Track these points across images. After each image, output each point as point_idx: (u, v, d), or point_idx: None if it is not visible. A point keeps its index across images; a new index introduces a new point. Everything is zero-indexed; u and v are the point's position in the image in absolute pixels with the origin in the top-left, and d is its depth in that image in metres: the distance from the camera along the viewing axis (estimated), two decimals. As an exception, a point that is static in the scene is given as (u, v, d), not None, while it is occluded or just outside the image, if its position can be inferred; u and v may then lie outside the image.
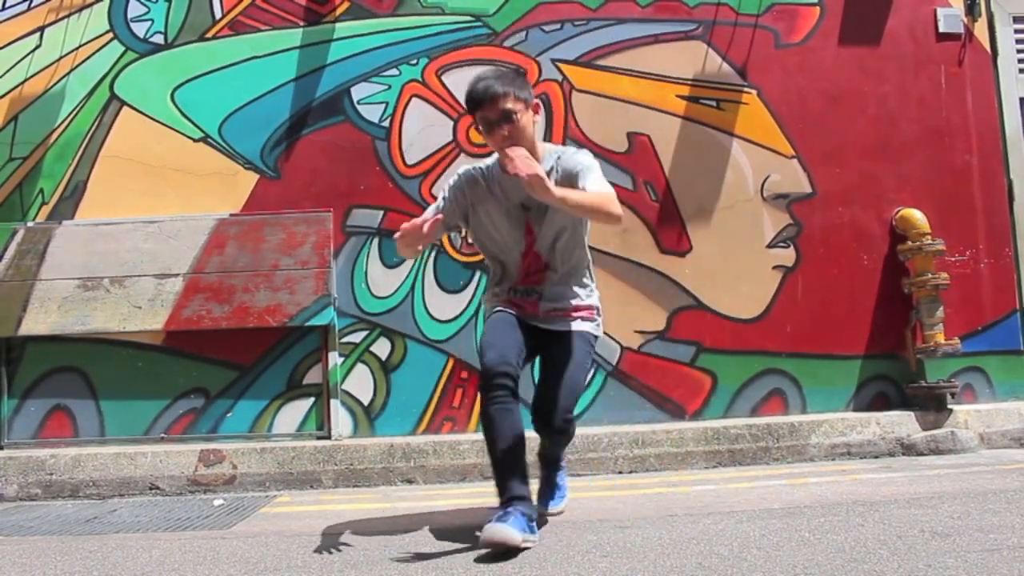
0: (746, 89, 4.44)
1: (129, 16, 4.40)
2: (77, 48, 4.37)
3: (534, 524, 2.34)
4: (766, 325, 4.32)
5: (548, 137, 4.25)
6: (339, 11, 4.38)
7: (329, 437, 4.09)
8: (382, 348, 4.23)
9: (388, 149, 4.33)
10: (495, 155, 2.57)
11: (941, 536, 2.16)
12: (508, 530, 2.18)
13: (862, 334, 4.35)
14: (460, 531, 2.53)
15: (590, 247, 2.71)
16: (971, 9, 4.57)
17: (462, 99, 2.66)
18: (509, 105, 2.42)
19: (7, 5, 4.41)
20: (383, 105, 4.36)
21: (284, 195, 4.27)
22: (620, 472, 3.71)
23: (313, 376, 4.19)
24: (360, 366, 4.22)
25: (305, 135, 4.33)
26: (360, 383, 4.21)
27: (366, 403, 4.20)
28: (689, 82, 4.43)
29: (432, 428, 4.18)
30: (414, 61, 4.38)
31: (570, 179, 2.49)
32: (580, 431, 3.85)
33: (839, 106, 4.47)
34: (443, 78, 4.35)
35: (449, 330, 4.23)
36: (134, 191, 4.27)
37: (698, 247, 4.35)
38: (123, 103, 4.34)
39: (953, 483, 3.03)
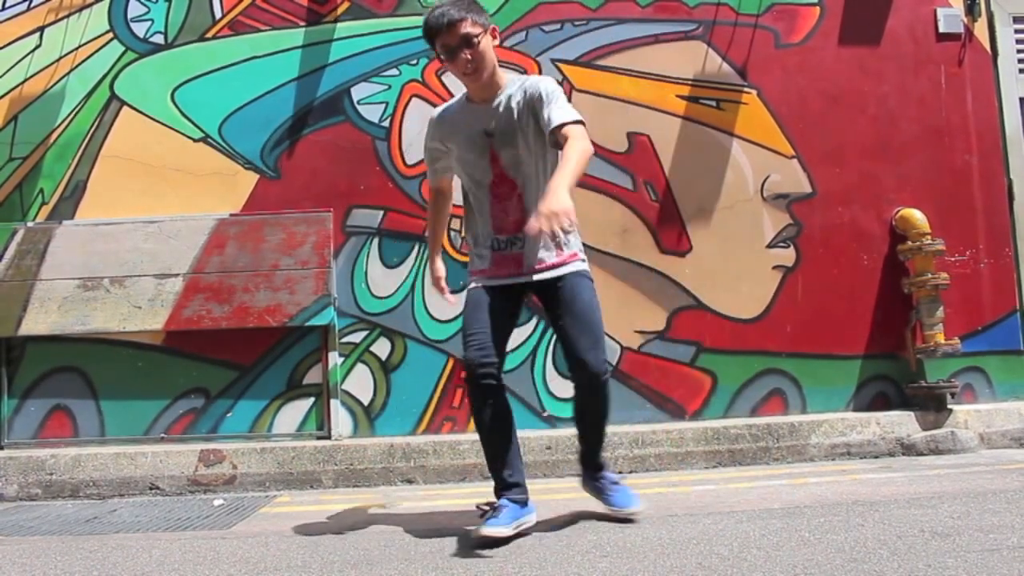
0: (746, 89, 4.44)
1: (129, 16, 4.40)
2: (77, 48, 4.37)
3: (526, 508, 2.47)
4: (766, 325, 4.32)
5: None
6: (339, 11, 4.39)
7: (329, 437, 4.09)
8: (382, 348, 4.23)
9: (388, 149, 4.33)
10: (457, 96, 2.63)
11: (941, 536, 2.16)
12: (496, 530, 2.34)
13: (862, 334, 4.35)
14: (460, 531, 2.53)
15: (588, 246, 2.70)
16: (971, 9, 4.57)
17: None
18: (468, 29, 2.42)
19: (7, 5, 4.41)
20: (383, 105, 4.36)
21: (284, 195, 4.27)
22: (620, 472, 3.70)
23: (313, 376, 4.19)
24: (360, 366, 4.22)
25: (305, 135, 4.33)
26: (360, 383, 4.21)
27: (366, 403, 4.20)
28: (689, 82, 4.43)
29: (432, 428, 4.18)
30: (414, 61, 4.38)
31: (533, 104, 2.47)
32: (580, 431, 3.87)
33: (839, 106, 4.47)
34: (443, 78, 4.34)
35: (449, 330, 4.23)
36: (134, 191, 4.27)
37: (698, 247, 4.35)
38: (123, 103, 4.34)
39: (953, 483, 3.03)
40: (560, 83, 4.35)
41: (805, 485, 3.15)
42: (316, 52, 4.37)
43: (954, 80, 4.55)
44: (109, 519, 3.11)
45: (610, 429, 3.83)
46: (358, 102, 4.36)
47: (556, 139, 2.45)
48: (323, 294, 4.12)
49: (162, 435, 4.13)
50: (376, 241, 4.29)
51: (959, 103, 4.53)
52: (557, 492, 3.15)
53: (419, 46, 4.34)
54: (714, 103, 4.43)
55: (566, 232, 2.33)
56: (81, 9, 4.40)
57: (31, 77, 4.35)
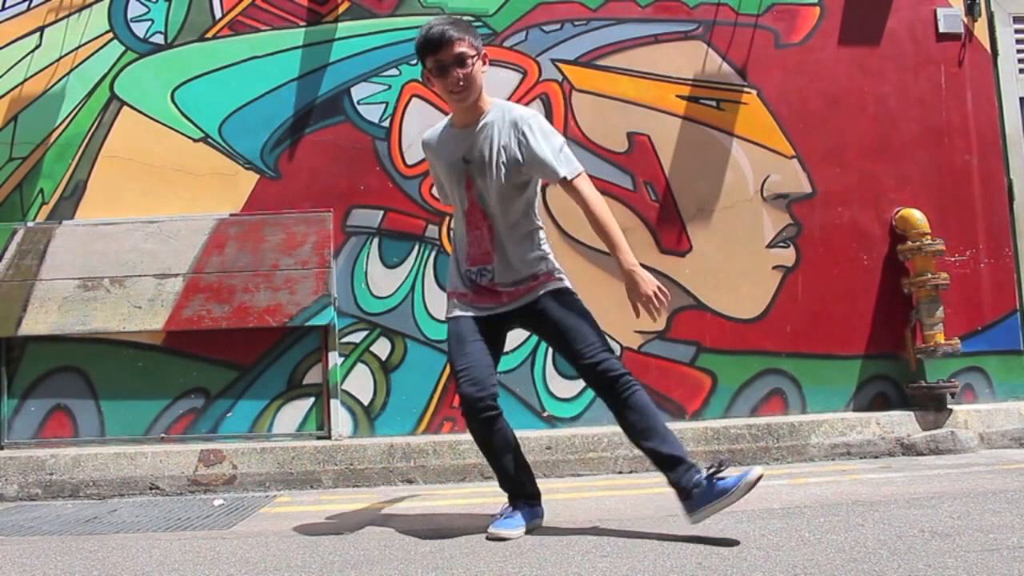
0: (746, 89, 4.44)
1: (129, 16, 4.40)
2: (77, 48, 4.37)
3: (537, 513, 2.54)
4: (766, 325, 4.32)
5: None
6: (339, 11, 4.39)
7: (329, 437, 4.09)
8: (382, 348, 4.23)
9: (388, 149, 4.33)
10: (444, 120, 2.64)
11: (941, 536, 2.16)
12: (508, 531, 2.42)
13: (862, 334, 4.35)
14: (460, 531, 2.53)
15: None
16: (971, 9, 4.57)
17: None
18: (464, 49, 2.42)
19: (7, 5, 4.41)
20: (383, 105, 4.36)
21: (284, 195, 4.27)
22: (620, 472, 3.71)
23: (313, 376, 4.19)
24: (360, 366, 4.22)
25: (305, 135, 4.33)
26: (360, 383, 4.21)
27: (366, 403, 4.20)
28: (689, 82, 4.43)
29: (432, 428, 4.18)
30: (414, 61, 4.37)
31: (519, 146, 2.43)
32: (580, 431, 3.88)
33: (839, 106, 4.47)
34: (443, 78, 4.34)
35: (449, 330, 4.22)
36: (134, 191, 4.27)
37: (698, 247, 4.35)
38: (123, 103, 4.34)
39: (953, 483, 3.03)
40: (560, 83, 4.36)
41: (805, 485, 3.15)
42: (316, 52, 4.37)
43: (954, 80, 4.55)
44: (109, 519, 3.11)
45: (610, 429, 3.86)
46: (358, 102, 4.36)
47: (564, 189, 2.48)
48: (323, 294, 4.12)
49: (162, 435, 4.13)
50: (376, 241, 4.29)
51: (959, 103, 4.53)
52: (557, 492, 3.15)
53: (419, 46, 4.34)
54: (714, 103, 4.43)
55: (661, 301, 2.35)
56: (81, 9, 4.39)
57: (31, 77, 4.35)
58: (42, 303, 4.11)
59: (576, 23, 4.43)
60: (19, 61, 4.37)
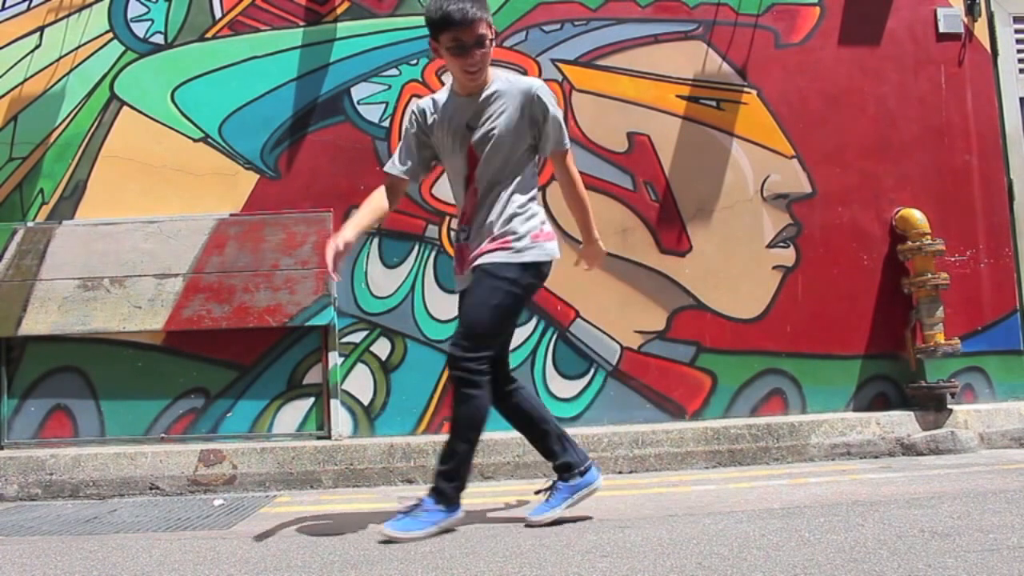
0: (746, 89, 4.44)
1: (129, 16, 4.40)
2: (77, 48, 4.37)
3: (567, 491, 2.66)
4: (766, 325, 4.32)
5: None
6: (339, 11, 4.39)
7: (329, 437, 4.09)
8: (382, 348, 4.23)
9: (388, 149, 4.33)
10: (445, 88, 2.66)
11: (941, 536, 2.16)
12: (538, 517, 2.58)
13: (862, 334, 4.35)
14: (459, 531, 2.53)
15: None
16: (971, 9, 4.57)
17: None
18: (484, 30, 2.44)
19: (7, 5, 4.41)
20: (383, 105, 4.36)
21: (284, 195, 4.27)
22: (620, 472, 3.71)
23: (313, 376, 4.19)
24: (360, 366, 4.22)
25: (305, 135, 4.33)
26: (360, 383, 4.21)
27: (366, 403, 4.20)
28: (689, 82, 4.43)
29: (432, 428, 4.18)
30: (414, 61, 4.38)
31: (535, 120, 2.52)
32: (580, 431, 3.87)
33: (839, 106, 4.47)
34: (443, 78, 4.34)
35: (449, 330, 4.21)
36: (134, 191, 4.27)
37: (698, 247, 4.35)
38: (123, 103, 4.34)
39: (953, 483, 3.03)
40: (560, 83, 4.36)
41: (805, 485, 3.15)
42: (316, 52, 4.37)
43: (954, 80, 4.55)
44: (109, 519, 3.11)
45: (610, 429, 3.86)
46: (358, 102, 4.35)
47: (556, 161, 2.64)
48: (323, 294, 4.12)
49: (162, 435, 4.13)
50: (376, 241, 4.29)
51: (959, 103, 4.54)
52: (557, 492, 3.14)
53: (419, 46, 4.35)
54: (714, 103, 4.43)
55: None
56: (81, 9, 4.39)
57: (31, 77, 4.35)
58: (42, 303, 4.11)
59: (576, 23, 4.43)
60: (19, 61, 4.37)
